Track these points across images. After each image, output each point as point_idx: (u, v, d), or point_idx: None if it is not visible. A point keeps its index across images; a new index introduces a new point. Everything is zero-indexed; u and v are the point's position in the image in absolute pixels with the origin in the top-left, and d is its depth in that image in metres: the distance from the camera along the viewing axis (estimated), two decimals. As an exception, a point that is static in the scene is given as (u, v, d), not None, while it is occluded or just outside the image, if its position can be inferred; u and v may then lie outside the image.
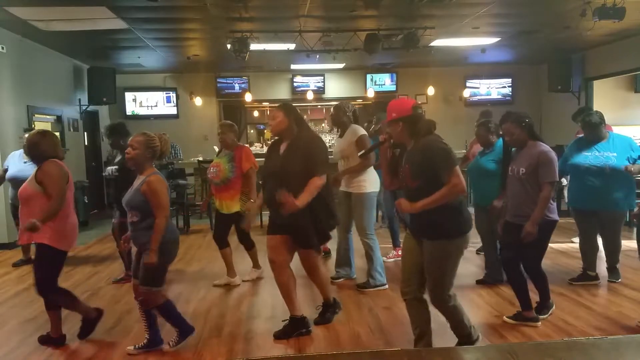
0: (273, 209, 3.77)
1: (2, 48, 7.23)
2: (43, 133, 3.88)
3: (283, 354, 3.59)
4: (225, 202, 5.02)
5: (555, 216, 3.86)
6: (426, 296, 3.28)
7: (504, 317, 4.07)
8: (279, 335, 3.83)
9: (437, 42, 8.63)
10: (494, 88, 12.14)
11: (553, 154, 3.80)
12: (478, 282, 5.01)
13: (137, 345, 3.61)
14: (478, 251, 5.96)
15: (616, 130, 5.27)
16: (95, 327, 3.92)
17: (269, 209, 3.88)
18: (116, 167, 5.26)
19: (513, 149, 4.07)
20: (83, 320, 3.90)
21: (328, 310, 4.14)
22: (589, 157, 4.72)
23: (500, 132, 4.83)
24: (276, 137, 4.00)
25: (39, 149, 3.70)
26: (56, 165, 3.67)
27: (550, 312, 4.09)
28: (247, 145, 5.20)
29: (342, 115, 4.96)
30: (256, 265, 5.47)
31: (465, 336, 3.31)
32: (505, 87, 12.12)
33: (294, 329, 3.87)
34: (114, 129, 5.42)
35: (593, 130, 4.72)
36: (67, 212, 3.70)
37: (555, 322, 3.99)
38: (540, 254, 3.99)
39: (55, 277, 3.72)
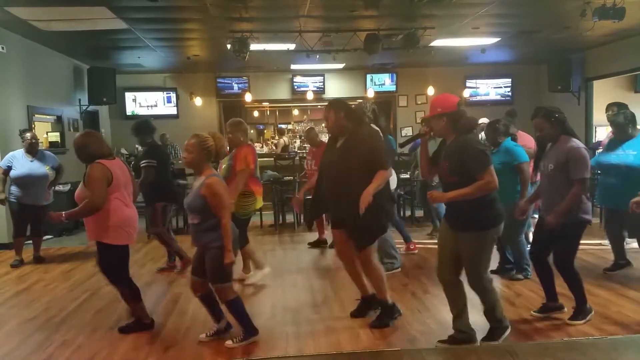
0: (334, 203, 3.85)
1: (3, 48, 7.23)
2: (87, 134, 3.98)
3: (283, 354, 3.59)
4: None
5: (587, 216, 3.76)
6: (461, 278, 3.52)
7: (532, 312, 4.08)
8: (377, 325, 3.95)
9: (437, 42, 8.63)
10: (493, 88, 12.14)
11: (584, 151, 3.68)
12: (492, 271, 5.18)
13: (235, 340, 3.67)
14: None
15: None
16: (137, 331, 3.98)
17: (330, 203, 3.92)
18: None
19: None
20: (135, 321, 4.03)
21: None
22: (612, 156, 4.72)
23: (511, 132, 4.93)
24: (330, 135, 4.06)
25: (86, 150, 3.81)
26: (97, 167, 3.73)
27: (588, 317, 3.90)
28: (250, 144, 5.10)
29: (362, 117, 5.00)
30: (246, 268, 5.28)
31: (497, 320, 3.48)
32: (505, 87, 12.12)
33: (389, 314, 3.98)
34: (138, 127, 5.56)
35: (618, 129, 4.72)
36: (116, 208, 3.78)
37: (555, 322, 3.98)
38: (571, 254, 3.87)
39: (119, 270, 3.90)
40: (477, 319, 3.69)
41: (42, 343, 3.89)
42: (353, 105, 5.12)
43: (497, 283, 4.99)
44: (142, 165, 5.37)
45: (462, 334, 3.49)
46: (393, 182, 5.09)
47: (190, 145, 3.49)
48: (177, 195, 6.10)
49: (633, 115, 4.73)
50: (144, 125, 5.56)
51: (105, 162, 3.78)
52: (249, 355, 3.57)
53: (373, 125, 4.95)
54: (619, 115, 4.77)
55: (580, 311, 3.91)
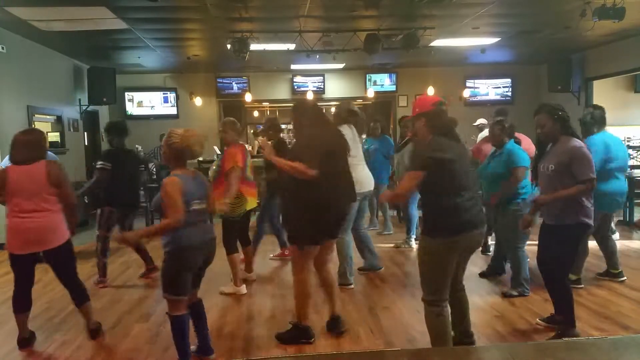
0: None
1: (3, 48, 7.23)
2: (20, 135, 3.86)
3: (283, 354, 3.59)
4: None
5: (589, 220, 3.55)
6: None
7: (537, 319, 3.96)
8: (280, 338, 3.77)
9: (437, 42, 8.63)
10: (493, 88, 12.14)
11: (587, 150, 3.54)
12: (481, 275, 5.25)
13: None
14: (482, 252, 6.00)
15: (615, 130, 5.23)
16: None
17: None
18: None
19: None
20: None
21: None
22: None
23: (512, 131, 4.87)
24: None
25: (11, 151, 3.76)
26: None
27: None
28: (242, 144, 5.04)
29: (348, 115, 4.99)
30: (248, 267, 5.23)
31: None
32: (504, 87, 12.12)
33: (295, 336, 3.75)
34: (111, 126, 5.43)
35: (582, 127, 4.64)
36: (6, 215, 3.68)
37: (555, 322, 3.98)
38: (567, 262, 3.70)
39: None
40: (477, 320, 3.69)
41: (42, 343, 3.89)
42: (335, 107, 5.14)
43: (488, 287, 4.99)
44: (96, 167, 5.18)
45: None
46: (369, 184, 4.97)
47: (163, 141, 3.34)
48: (135, 203, 5.68)
49: (602, 117, 4.64)
50: (119, 125, 5.42)
51: (10, 167, 3.67)
52: (248, 354, 3.57)
53: (348, 126, 4.80)
54: (587, 114, 4.67)
55: (564, 332, 3.58)
